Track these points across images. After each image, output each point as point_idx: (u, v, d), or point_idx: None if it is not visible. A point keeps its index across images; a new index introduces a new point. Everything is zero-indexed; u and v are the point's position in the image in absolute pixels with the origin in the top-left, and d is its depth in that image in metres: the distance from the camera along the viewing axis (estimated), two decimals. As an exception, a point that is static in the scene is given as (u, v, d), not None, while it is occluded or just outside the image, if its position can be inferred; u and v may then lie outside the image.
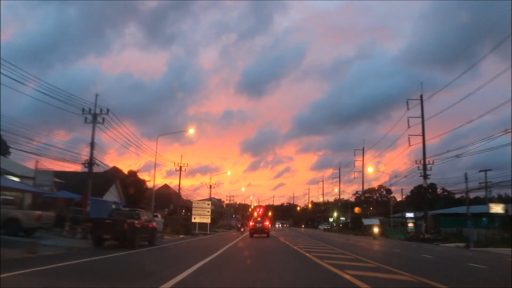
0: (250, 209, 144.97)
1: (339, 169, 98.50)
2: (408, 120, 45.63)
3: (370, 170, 64.64)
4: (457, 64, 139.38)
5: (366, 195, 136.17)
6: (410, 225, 43.74)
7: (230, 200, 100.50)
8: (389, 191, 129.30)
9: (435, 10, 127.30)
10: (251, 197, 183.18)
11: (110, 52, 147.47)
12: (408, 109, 46.01)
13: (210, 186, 71.98)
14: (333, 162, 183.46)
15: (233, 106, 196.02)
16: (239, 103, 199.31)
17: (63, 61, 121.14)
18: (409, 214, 44.74)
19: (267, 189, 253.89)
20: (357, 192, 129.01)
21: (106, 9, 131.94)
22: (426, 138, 43.83)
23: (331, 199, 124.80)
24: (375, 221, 51.12)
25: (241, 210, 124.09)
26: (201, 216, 37.18)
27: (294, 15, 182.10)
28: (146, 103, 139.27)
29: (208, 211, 37.31)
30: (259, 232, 32.56)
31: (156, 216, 37.48)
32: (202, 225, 50.03)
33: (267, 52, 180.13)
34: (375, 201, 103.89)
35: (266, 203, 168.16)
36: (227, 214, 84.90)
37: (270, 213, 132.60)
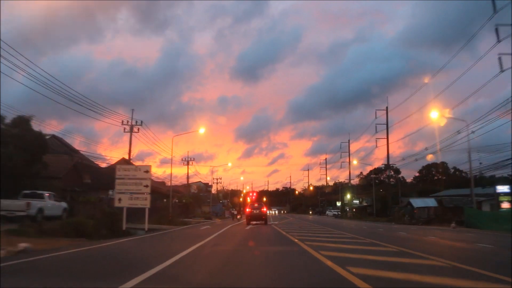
0: (242, 195, 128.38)
1: (348, 142, 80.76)
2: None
3: (433, 115, 31.55)
4: (457, 45, 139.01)
5: (372, 176, 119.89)
6: (506, 205, 25.41)
7: (216, 183, 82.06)
8: (397, 171, 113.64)
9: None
10: (241, 178, 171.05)
11: (102, 38, 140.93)
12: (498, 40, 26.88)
13: (188, 162, 53.95)
14: (328, 147, 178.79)
15: (228, 92, 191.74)
16: (234, 89, 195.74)
17: (54, 48, 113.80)
18: (502, 188, 26.41)
19: (261, 176, 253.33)
20: (361, 173, 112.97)
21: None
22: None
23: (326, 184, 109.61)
24: (430, 201, 32.86)
25: (230, 196, 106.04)
26: (133, 196, 18.41)
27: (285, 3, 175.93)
28: (140, 90, 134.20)
29: (147, 186, 18.45)
30: (256, 219, 30.34)
31: (41, 197, 18.65)
32: (160, 214, 31.42)
33: (263, 36, 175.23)
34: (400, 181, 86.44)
35: (260, 189, 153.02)
36: (211, 199, 66.22)
37: (264, 199, 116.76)
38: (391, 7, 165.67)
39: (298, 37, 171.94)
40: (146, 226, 18.29)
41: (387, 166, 55.88)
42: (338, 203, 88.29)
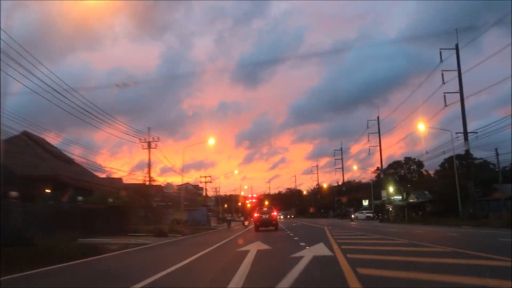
0: (240, 200, 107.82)
1: (377, 119, 59.38)
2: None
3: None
4: (460, 40, 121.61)
5: (391, 170, 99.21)
6: None
7: (205, 182, 60.52)
8: (420, 165, 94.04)
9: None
10: (235, 171, 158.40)
11: (100, 45, 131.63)
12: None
13: (149, 143, 34.24)
14: (328, 150, 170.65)
15: (228, 98, 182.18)
16: (235, 94, 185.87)
17: (50, 57, 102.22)
18: None
19: (262, 181, 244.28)
20: (377, 168, 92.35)
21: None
22: None
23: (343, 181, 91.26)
24: None
25: (223, 200, 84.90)
26: None
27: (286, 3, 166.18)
28: (139, 98, 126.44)
29: None
30: (265, 224, 26.60)
31: None
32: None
33: (264, 37, 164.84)
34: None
35: (261, 193, 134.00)
36: (185, 200, 44.59)
37: (266, 202, 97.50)
38: (392, 5, 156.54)
39: (300, 37, 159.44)
40: None
41: (465, 137, 34.32)
42: (365, 203, 67.14)
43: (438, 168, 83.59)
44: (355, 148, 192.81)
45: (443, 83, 36.17)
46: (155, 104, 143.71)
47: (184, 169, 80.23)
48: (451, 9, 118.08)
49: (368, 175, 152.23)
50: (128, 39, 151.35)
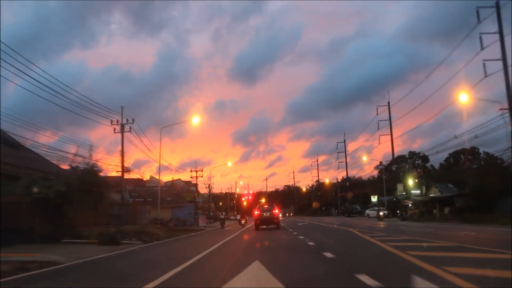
0: (235, 197, 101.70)
1: (388, 104, 53.08)
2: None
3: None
4: (459, 37, 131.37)
5: (394, 165, 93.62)
6: None
7: (196, 176, 53.42)
8: (425, 159, 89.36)
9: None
10: (229, 163, 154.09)
11: (95, 43, 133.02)
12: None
13: (123, 127, 27.48)
14: (326, 148, 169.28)
15: (226, 96, 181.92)
16: (232, 92, 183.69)
17: (46, 55, 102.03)
18: None
19: (258, 179, 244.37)
20: (380, 163, 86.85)
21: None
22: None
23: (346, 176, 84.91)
24: None
25: (215, 196, 78.22)
26: None
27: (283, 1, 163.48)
28: (135, 96, 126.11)
29: None
30: (266, 222, 25.48)
31: None
32: None
33: (261, 34, 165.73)
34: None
35: (258, 191, 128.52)
36: (176, 197, 37.60)
37: (263, 200, 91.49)
38: (390, 3, 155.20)
39: (298, 34, 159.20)
40: None
41: (512, 113, 27.52)
42: (374, 199, 60.47)
43: (443, 162, 77.99)
44: (352, 146, 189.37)
45: (482, 48, 29.51)
46: (151, 102, 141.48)
47: (180, 167, 73.04)
48: (448, 6, 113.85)
49: (365, 173, 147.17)
50: (124, 36, 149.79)
